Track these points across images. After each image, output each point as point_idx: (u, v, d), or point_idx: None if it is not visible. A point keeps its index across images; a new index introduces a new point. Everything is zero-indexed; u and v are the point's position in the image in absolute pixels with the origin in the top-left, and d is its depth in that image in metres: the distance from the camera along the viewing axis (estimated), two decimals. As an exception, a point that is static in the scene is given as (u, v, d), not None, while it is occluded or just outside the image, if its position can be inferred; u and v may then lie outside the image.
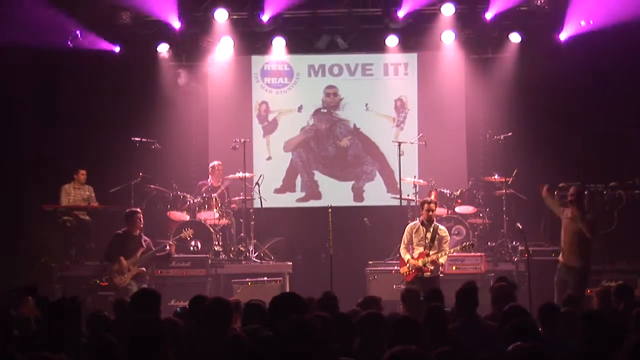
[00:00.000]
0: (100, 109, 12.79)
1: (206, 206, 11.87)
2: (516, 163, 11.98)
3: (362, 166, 13.71)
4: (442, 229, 10.22)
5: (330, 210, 10.60)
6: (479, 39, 13.32)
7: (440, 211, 11.58)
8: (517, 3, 12.51)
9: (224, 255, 11.85)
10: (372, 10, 12.99)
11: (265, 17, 12.75)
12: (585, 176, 11.46)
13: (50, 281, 11.15)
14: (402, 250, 10.15)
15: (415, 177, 12.36)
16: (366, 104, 13.71)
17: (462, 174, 13.22)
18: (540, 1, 12.33)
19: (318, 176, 13.70)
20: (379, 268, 11.40)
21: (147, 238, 10.53)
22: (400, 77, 13.73)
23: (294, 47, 13.46)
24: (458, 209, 12.10)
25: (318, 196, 13.61)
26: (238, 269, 11.67)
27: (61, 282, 11.24)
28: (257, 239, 12.09)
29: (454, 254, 10.48)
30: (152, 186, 12.19)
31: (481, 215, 12.21)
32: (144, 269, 10.29)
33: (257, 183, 12.21)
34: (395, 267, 10.86)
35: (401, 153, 12.18)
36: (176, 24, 12.85)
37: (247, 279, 11.23)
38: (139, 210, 10.65)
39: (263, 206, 12.25)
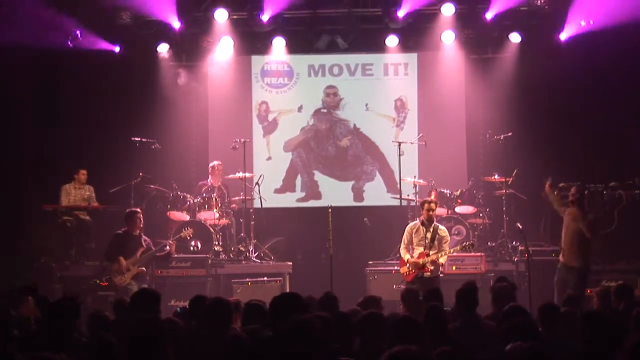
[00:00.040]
0: (100, 109, 12.78)
1: (206, 206, 11.87)
2: (516, 163, 11.98)
3: (362, 166, 13.71)
4: (442, 229, 10.22)
5: (330, 210, 10.60)
6: (479, 39, 13.32)
7: (440, 211, 11.58)
8: (517, 3, 12.52)
9: (224, 255, 11.85)
10: (372, 10, 12.99)
11: (265, 17, 12.75)
12: (585, 176, 11.45)
13: (50, 281, 11.14)
14: (402, 251, 10.15)
15: (415, 177, 12.36)
16: (366, 104, 13.71)
17: (462, 174, 13.22)
18: (540, 1, 12.33)
19: (318, 176, 13.70)
20: (379, 268, 11.40)
21: (147, 238, 10.52)
22: (400, 77, 13.73)
23: (294, 47, 13.46)
24: (458, 209, 12.10)
25: (318, 196, 13.61)
26: (238, 269, 11.67)
27: (61, 282, 11.23)
28: (257, 239, 12.09)
29: (454, 254, 10.47)
30: (152, 186, 12.19)
31: (481, 215, 12.21)
32: (143, 268, 10.29)
33: (257, 183, 12.21)
34: (395, 267, 10.86)
35: (401, 153, 12.18)
36: (176, 24, 12.86)
37: (247, 279, 11.23)
38: (139, 210, 10.65)
39: (263, 206, 12.25)
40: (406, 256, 10.03)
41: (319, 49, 13.63)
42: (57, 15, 12.02)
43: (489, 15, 12.63)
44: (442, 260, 10.04)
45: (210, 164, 12.54)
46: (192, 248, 11.59)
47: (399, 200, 12.27)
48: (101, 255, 10.81)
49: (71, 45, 12.45)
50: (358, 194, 13.67)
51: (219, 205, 11.96)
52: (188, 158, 13.64)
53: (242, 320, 6.08)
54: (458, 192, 12.18)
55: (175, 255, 10.89)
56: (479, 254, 11.28)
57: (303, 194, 13.66)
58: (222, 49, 13.27)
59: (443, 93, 13.46)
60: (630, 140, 12.46)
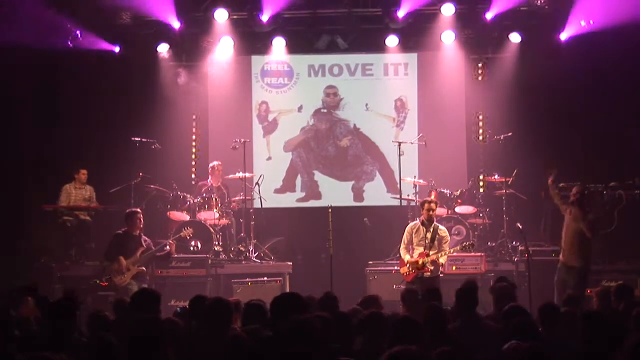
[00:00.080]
0: (100, 109, 12.78)
1: (206, 206, 11.87)
2: (516, 163, 11.98)
3: (362, 166, 13.71)
4: (442, 229, 10.22)
5: (330, 210, 10.60)
6: (479, 39, 13.32)
7: (440, 211, 11.58)
8: (518, 3, 12.52)
9: (224, 255, 11.85)
10: (372, 10, 12.99)
11: (265, 17, 12.75)
12: (585, 176, 11.45)
13: (50, 281, 11.14)
14: (402, 251, 10.15)
15: (415, 177, 12.36)
16: (366, 104, 13.71)
17: (462, 174, 13.22)
18: (541, 1, 12.33)
19: (318, 176, 13.70)
20: (379, 268, 11.40)
21: (147, 238, 10.53)
22: (400, 77, 13.73)
23: (294, 47, 13.46)
24: (458, 209, 12.10)
25: (318, 196, 13.61)
26: (238, 269, 11.67)
27: (61, 282, 11.21)
28: (257, 239, 12.09)
29: (454, 254, 10.47)
30: (152, 186, 12.19)
31: (481, 215, 12.21)
32: (143, 268, 10.29)
33: (257, 183, 12.21)
34: (395, 267, 10.86)
35: (401, 153, 12.18)
36: (176, 24, 12.86)
37: (247, 279, 11.23)
38: (139, 210, 10.66)
39: (263, 206, 12.25)
40: (406, 256, 10.03)
41: (319, 49, 13.63)
42: (57, 15, 12.02)
43: (489, 15, 12.64)
44: (442, 260, 10.04)
45: (210, 164, 12.54)
46: (192, 248, 11.58)
47: (399, 200, 12.26)
48: (101, 255, 10.80)
49: (71, 45, 12.46)
50: (358, 194, 13.67)
51: (219, 205, 11.96)
52: (188, 158, 13.66)
53: (242, 320, 6.08)
54: (458, 192, 12.18)
55: (175, 255, 10.89)
56: (479, 254, 11.28)
57: (303, 194, 13.66)
58: (222, 49, 13.27)
59: (443, 93, 13.45)
60: (630, 140, 12.46)
